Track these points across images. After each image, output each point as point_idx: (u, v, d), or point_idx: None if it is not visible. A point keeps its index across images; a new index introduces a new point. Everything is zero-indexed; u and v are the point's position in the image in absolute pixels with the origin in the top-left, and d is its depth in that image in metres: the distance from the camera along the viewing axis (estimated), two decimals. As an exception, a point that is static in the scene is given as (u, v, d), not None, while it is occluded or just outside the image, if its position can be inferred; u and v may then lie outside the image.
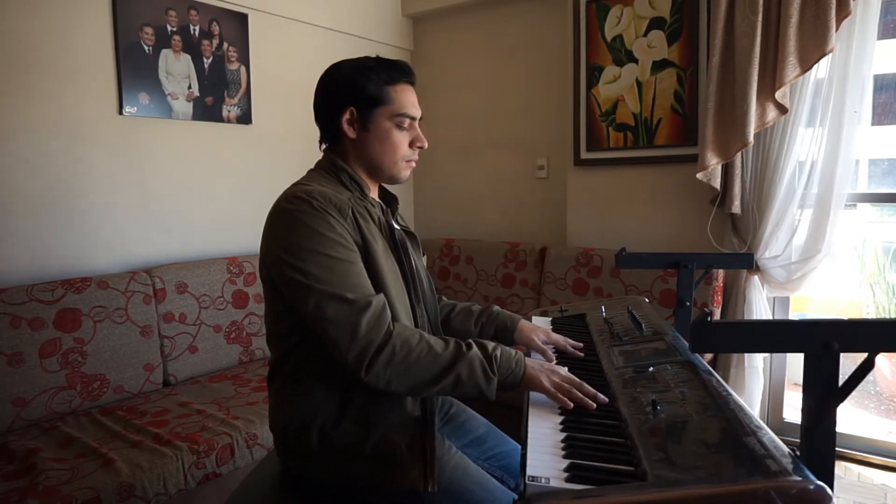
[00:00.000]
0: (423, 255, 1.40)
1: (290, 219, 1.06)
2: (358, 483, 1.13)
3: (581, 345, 1.31)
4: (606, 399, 1.02)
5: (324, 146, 1.24)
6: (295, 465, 1.19)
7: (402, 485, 1.08)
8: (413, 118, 1.19)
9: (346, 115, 1.16)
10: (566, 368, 1.12)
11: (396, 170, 1.20)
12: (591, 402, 1.01)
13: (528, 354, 1.33)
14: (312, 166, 1.25)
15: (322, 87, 1.20)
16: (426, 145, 1.22)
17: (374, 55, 1.21)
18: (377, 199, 1.23)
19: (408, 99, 1.18)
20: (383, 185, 1.29)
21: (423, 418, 1.15)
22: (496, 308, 1.44)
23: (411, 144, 1.20)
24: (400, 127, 1.17)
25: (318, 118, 1.21)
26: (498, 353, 1.08)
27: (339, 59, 1.23)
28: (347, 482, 1.14)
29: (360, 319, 1.02)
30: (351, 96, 1.15)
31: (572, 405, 1.01)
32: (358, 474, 1.12)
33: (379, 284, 1.10)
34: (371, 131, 1.16)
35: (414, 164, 1.23)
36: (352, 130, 1.17)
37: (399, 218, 1.33)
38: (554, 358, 1.28)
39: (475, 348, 1.07)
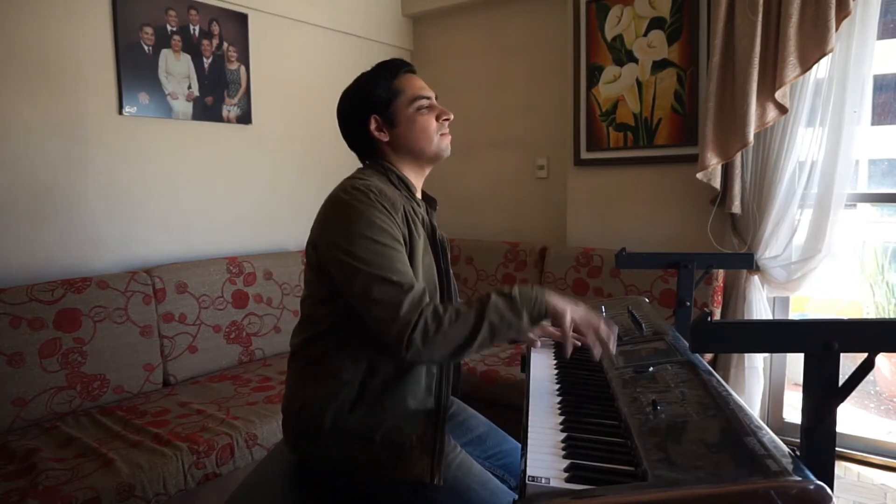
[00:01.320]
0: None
1: (348, 207, 1.12)
2: (364, 469, 1.15)
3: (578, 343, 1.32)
4: (614, 350, 1.10)
5: (365, 163, 1.31)
6: (304, 447, 1.20)
7: (409, 474, 1.11)
8: (428, 97, 1.25)
9: (373, 124, 1.23)
10: (587, 307, 1.16)
11: (435, 146, 1.26)
12: (599, 347, 1.10)
13: (527, 353, 1.34)
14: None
15: (341, 118, 1.29)
16: (451, 116, 1.28)
17: (367, 69, 1.28)
18: (421, 201, 1.29)
19: (415, 84, 1.25)
20: (424, 187, 1.34)
21: (435, 412, 1.18)
22: (493, 297, 1.47)
23: (438, 119, 1.26)
24: (420, 109, 1.24)
25: (353, 144, 1.29)
26: (516, 291, 1.12)
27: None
28: (354, 467, 1.16)
29: (403, 300, 1.06)
30: (367, 107, 1.23)
31: (571, 342, 1.10)
32: (365, 460, 1.14)
33: (418, 278, 1.15)
34: (399, 125, 1.23)
35: (449, 136, 1.29)
36: (383, 134, 1.24)
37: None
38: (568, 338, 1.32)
39: (494, 295, 1.12)
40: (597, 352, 1.10)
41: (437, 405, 1.19)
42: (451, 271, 1.33)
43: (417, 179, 1.29)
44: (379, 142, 1.24)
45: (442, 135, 1.27)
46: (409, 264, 1.13)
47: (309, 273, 1.22)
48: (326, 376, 1.17)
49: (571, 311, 1.11)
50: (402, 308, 1.06)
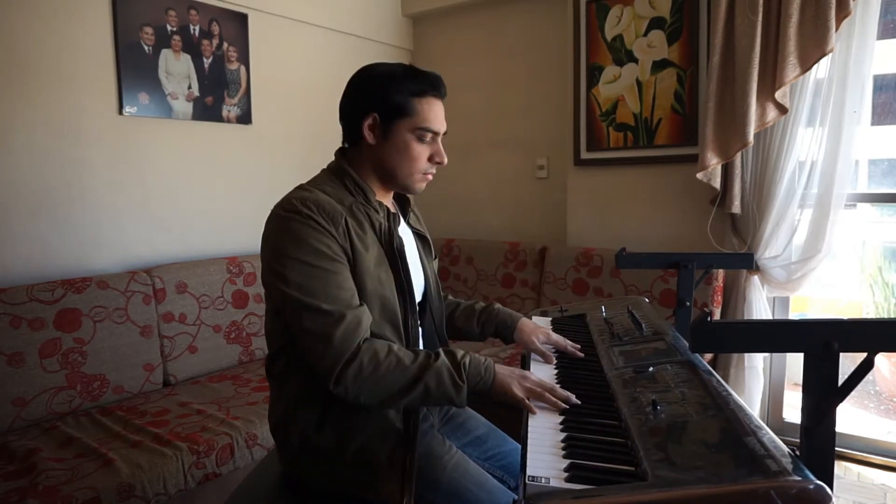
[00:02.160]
0: (436, 257, 1.40)
1: (281, 226, 1.08)
2: (342, 486, 1.14)
3: (579, 346, 1.31)
4: (579, 401, 1.02)
5: (339, 147, 1.23)
6: (285, 462, 1.20)
7: (382, 494, 1.10)
8: (436, 133, 1.17)
9: (369, 121, 1.14)
10: (538, 375, 1.12)
11: (411, 181, 1.18)
12: (562, 403, 1.02)
13: (528, 355, 1.34)
14: (321, 167, 1.26)
15: (350, 88, 1.18)
16: (445, 162, 1.19)
17: (407, 63, 1.20)
18: (385, 204, 1.21)
19: (433, 113, 1.15)
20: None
21: (405, 431, 1.14)
22: (497, 306, 1.44)
23: (430, 158, 1.18)
24: (421, 140, 1.15)
25: (342, 118, 1.20)
26: (467, 360, 1.08)
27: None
28: (331, 485, 1.15)
29: (334, 332, 1.02)
30: (375, 103, 1.13)
31: (537, 412, 1.01)
32: (340, 478, 1.13)
33: (364, 294, 1.10)
34: (390, 140, 1.14)
35: (430, 178, 1.21)
36: (372, 136, 1.15)
37: (414, 219, 1.33)
38: (553, 359, 1.28)
39: (443, 357, 1.07)
40: (558, 409, 1.01)
41: (407, 423, 1.15)
42: (430, 274, 1.28)
43: (380, 191, 1.20)
44: (362, 139, 1.15)
45: (424, 174, 1.18)
46: (346, 286, 1.06)
47: (264, 286, 1.16)
48: (290, 396, 1.14)
49: (518, 388, 1.06)
50: (334, 339, 1.01)
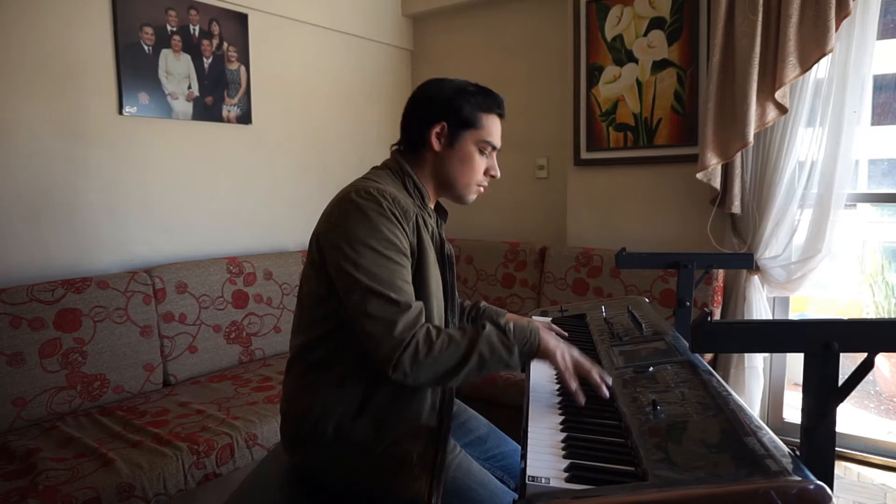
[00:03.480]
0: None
1: (358, 212, 1.09)
2: (363, 481, 1.14)
3: (566, 334, 1.37)
4: (607, 394, 1.04)
5: (394, 148, 1.28)
6: (302, 454, 1.19)
7: (406, 492, 1.10)
8: (495, 148, 1.25)
9: (437, 129, 1.20)
10: (537, 373, 1.16)
11: (467, 191, 1.26)
12: (599, 382, 1.05)
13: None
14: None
15: (421, 96, 1.25)
16: (498, 175, 1.28)
17: (472, 81, 1.25)
18: (433, 211, 1.27)
19: (496, 129, 1.24)
20: (441, 199, 1.33)
21: (438, 430, 1.16)
22: (483, 304, 1.50)
23: (486, 172, 1.26)
24: (482, 152, 1.23)
25: (408, 124, 1.25)
26: (511, 325, 1.12)
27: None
28: (353, 479, 1.15)
29: (399, 319, 1.05)
30: (447, 112, 1.20)
31: (575, 387, 1.05)
32: (365, 472, 1.13)
33: (425, 291, 1.14)
34: (456, 150, 1.21)
35: (482, 191, 1.29)
36: (438, 144, 1.21)
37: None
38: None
39: (489, 326, 1.11)
40: (603, 392, 1.05)
41: (441, 423, 1.17)
42: (456, 286, 1.32)
43: (432, 194, 1.28)
44: (427, 146, 1.21)
45: (479, 186, 1.27)
46: (411, 280, 1.11)
47: (309, 269, 1.18)
48: (329, 385, 1.14)
49: (563, 352, 1.10)
50: (397, 327, 1.04)
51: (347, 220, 1.10)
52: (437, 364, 1.06)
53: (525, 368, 1.18)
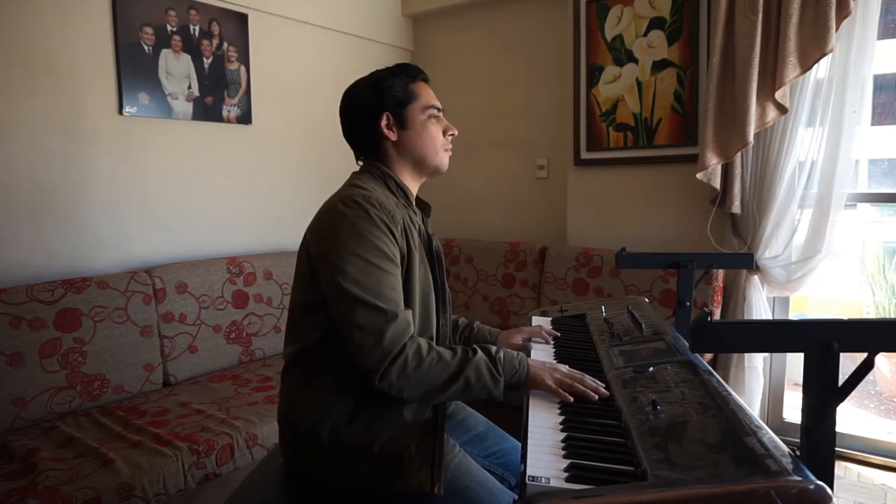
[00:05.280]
0: None
1: (345, 221, 1.10)
2: (364, 482, 1.14)
3: (558, 334, 1.41)
4: (607, 393, 1.06)
5: (359, 162, 1.29)
6: (302, 460, 1.19)
7: (409, 486, 1.10)
8: (440, 108, 1.27)
9: (384, 121, 1.21)
10: (567, 366, 1.15)
11: (438, 159, 1.26)
12: (593, 394, 1.06)
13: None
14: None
15: (349, 107, 1.26)
16: (455, 132, 1.29)
17: (383, 67, 1.27)
18: (417, 208, 1.27)
19: (428, 92, 1.26)
20: (419, 192, 1.32)
21: (433, 421, 1.16)
22: (477, 324, 1.51)
23: (444, 133, 1.27)
24: (431, 118, 1.25)
25: (355, 136, 1.26)
26: (501, 354, 1.13)
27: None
28: (354, 480, 1.15)
29: (386, 329, 1.05)
30: (383, 103, 1.21)
31: (573, 399, 1.06)
32: (365, 473, 1.13)
33: (412, 295, 1.14)
34: (410, 128, 1.23)
35: (450, 152, 1.30)
36: (392, 133, 1.22)
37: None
38: (546, 340, 1.38)
39: (480, 353, 1.12)
40: (591, 399, 1.06)
41: (436, 414, 1.17)
42: (446, 281, 1.32)
43: (414, 187, 1.28)
44: (384, 141, 1.22)
45: (445, 150, 1.27)
46: (400, 287, 1.12)
47: (299, 278, 1.20)
48: (322, 391, 1.15)
49: (550, 379, 1.11)
50: (385, 337, 1.05)
51: (335, 230, 1.11)
52: (424, 380, 1.07)
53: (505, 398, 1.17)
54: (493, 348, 1.14)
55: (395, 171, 1.24)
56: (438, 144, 1.25)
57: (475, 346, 1.15)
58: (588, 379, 1.09)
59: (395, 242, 1.11)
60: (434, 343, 1.16)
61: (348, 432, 1.13)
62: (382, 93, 1.21)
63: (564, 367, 1.14)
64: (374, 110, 1.21)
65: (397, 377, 1.05)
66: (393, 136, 1.22)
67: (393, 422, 1.14)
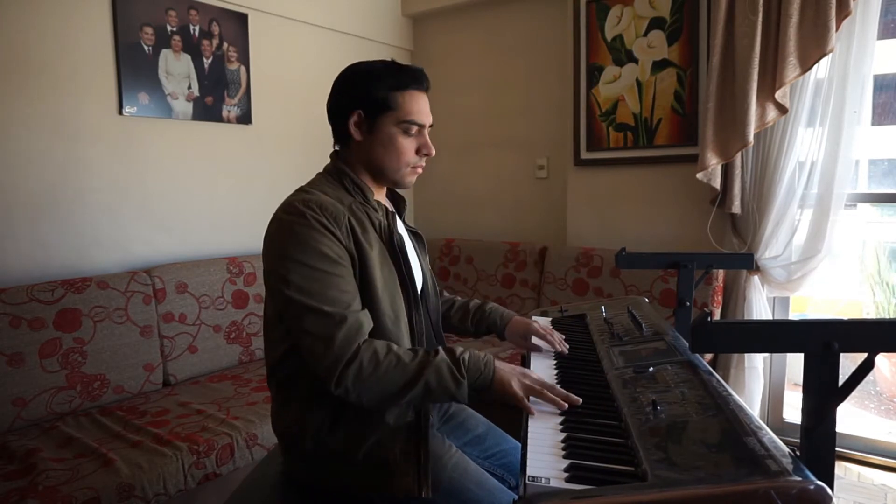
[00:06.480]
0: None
1: (283, 229, 1.08)
2: (355, 488, 1.14)
3: (564, 336, 1.36)
4: (580, 400, 1.01)
5: (333, 150, 1.25)
6: (295, 466, 1.19)
7: (397, 490, 1.09)
8: (421, 125, 1.18)
9: (354, 118, 1.16)
10: (537, 373, 1.12)
11: (399, 175, 1.19)
12: (562, 402, 1.01)
13: (527, 355, 1.34)
14: (321, 167, 1.26)
15: (335, 87, 1.21)
16: (433, 153, 1.21)
17: (389, 59, 1.20)
18: (382, 202, 1.22)
19: (416, 106, 1.16)
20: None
21: (416, 423, 1.14)
22: (490, 305, 1.46)
23: (418, 151, 1.19)
24: (406, 133, 1.16)
25: (331, 118, 1.22)
26: (466, 356, 1.07)
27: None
28: (344, 487, 1.15)
29: (335, 333, 1.02)
30: (359, 99, 1.15)
31: (535, 413, 1.00)
32: (353, 480, 1.13)
33: (370, 293, 1.11)
34: (376, 135, 1.16)
35: (420, 171, 1.22)
36: (358, 133, 1.17)
37: (408, 218, 1.34)
38: (557, 341, 1.32)
39: (442, 354, 1.07)
40: (560, 408, 1.01)
41: (418, 415, 1.15)
42: (426, 271, 1.29)
43: (375, 187, 1.22)
44: (350, 136, 1.17)
45: (413, 168, 1.19)
46: (352, 288, 1.07)
47: (265, 293, 1.17)
48: (299, 402, 1.14)
49: (517, 385, 1.05)
50: (335, 341, 1.01)
51: (275, 239, 1.09)
52: (381, 384, 1.02)
53: (473, 401, 1.11)
54: (460, 349, 1.08)
55: (355, 169, 1.19)
56: (403, 161, 1.17)
57: (440, 346, 1.11)
58: (558, 388, 1.04)
59: (339, 244, 1.07)
60: (409, 340, 1.15)
61: (331, 440, 1.12)
62: (362, 89, 1.15)
63: (535, 374, 1.09)
64: (349, 103, 1.16)
65: (353, 382, 1.01)
66: (358, 137, 1.16)
67: (375, 427, 1.12)
